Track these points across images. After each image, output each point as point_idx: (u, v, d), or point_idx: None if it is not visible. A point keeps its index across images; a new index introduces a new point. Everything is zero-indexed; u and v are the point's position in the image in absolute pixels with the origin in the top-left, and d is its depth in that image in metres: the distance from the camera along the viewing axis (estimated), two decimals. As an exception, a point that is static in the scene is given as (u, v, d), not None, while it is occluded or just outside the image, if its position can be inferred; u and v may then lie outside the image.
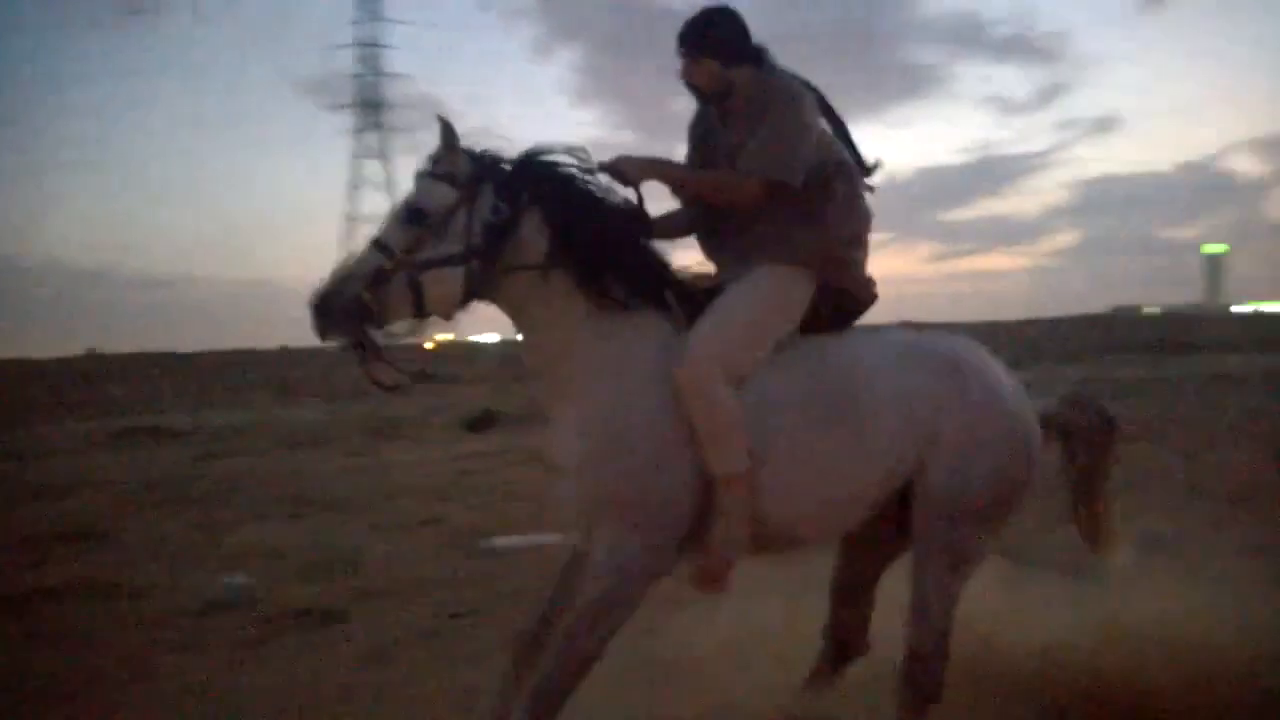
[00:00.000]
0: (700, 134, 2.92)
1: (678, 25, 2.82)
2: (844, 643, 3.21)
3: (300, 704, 3.81)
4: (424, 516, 7.41)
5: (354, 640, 4.55)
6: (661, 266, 2.75)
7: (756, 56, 2.80)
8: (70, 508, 8.55)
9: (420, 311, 2.53)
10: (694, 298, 2.73)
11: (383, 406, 20.42)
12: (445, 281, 2.51)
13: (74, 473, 11.11)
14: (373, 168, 79.89)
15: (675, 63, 2.83)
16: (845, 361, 2.78)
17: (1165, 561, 4.42)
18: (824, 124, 2.83)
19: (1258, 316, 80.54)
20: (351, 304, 2.43)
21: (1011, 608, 3.71)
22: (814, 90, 2.80)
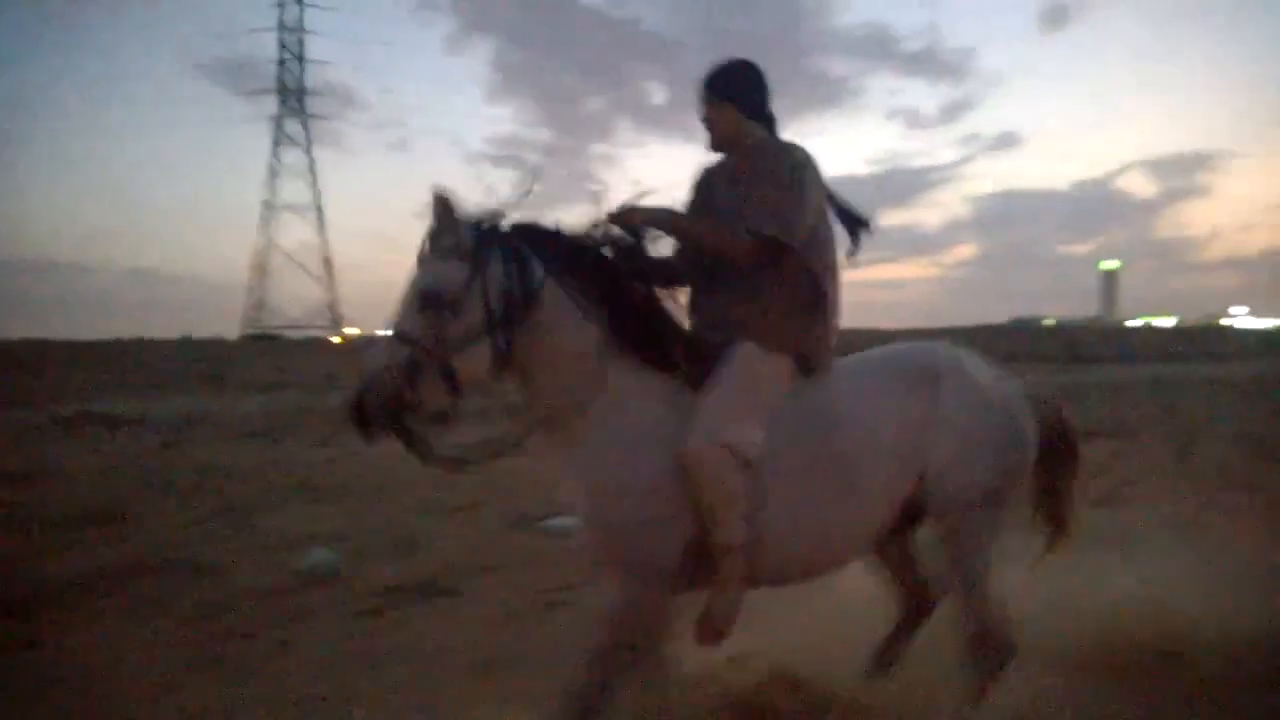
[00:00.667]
0: (706, 186, 2.98)
1: (707, 68, 2.93)
2: (913, 606, 3.33)
3: (443, 664, 3.90)
4: (458, 502, 7.44)
5: (474, 610, 4.64)
6: (675, 326, 2.81)
7: (770, 120, 2.92)
8: (68, 493, 8.26)
9: (455, 391, 2.51)
10: (699, 358, 2.77)
11: (321, 400, 20.20)
12: (475, 358, 2.52)
13: (44, 459, 10.68)
14: (294, 156, 77.67)
15: (698, 104, 2.93)
16: (831, 408, 2.84)
17: (1192, 541, 4.89)
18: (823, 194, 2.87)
19: (1149, 330, 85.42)
20: (389, 402, 2.42)
21: (1044, 584, 3.86)
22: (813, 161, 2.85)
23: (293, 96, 77.06)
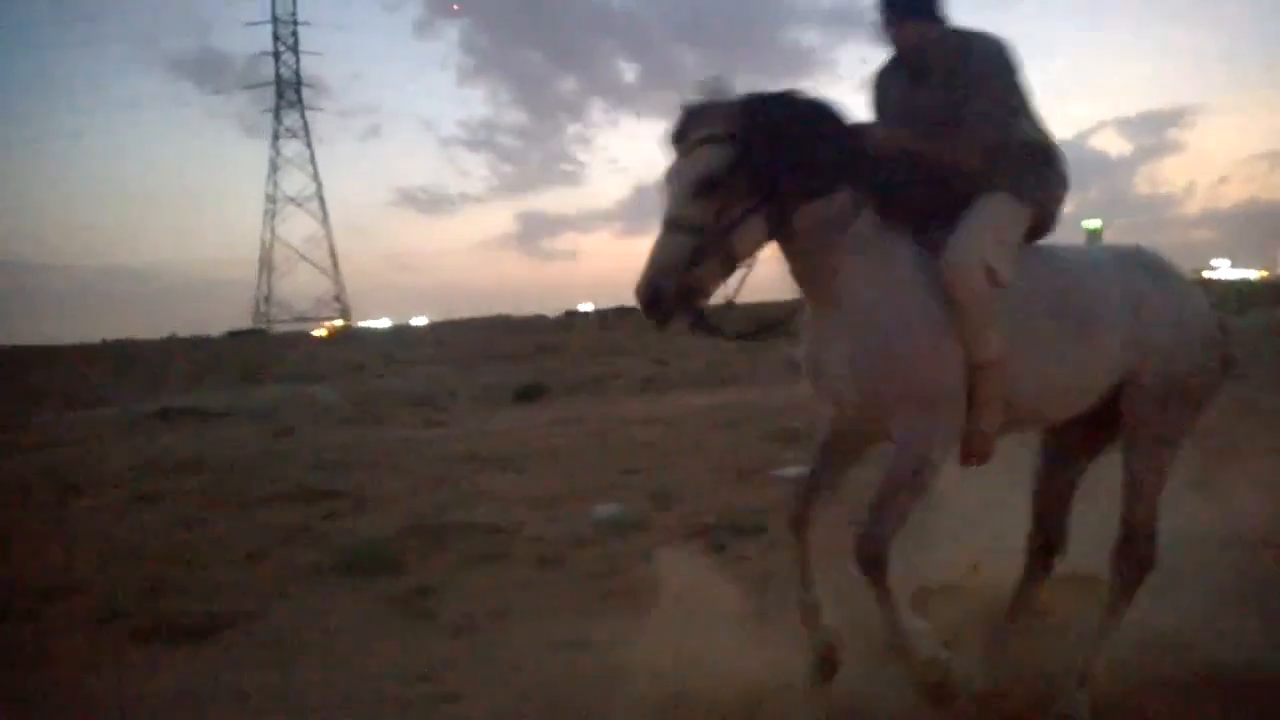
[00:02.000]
0: (895, 90, 3.15)
1: None
2: (1048, 544, 3.47)
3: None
4: (653, 463, 7.79)
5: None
6: (921, 186, 2.95)
7: (944, 14, 3.06)
8: (251, 476, 8.47)
9: (732, 270, 2.72)
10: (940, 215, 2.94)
11: (365, 384, 20.48)
12: (750, 234, 2.72)
13: (182, 449, 10.88)
14: (294, 148, 78.60)
15: (879, 25, 3.11)
16: (1075, 266, 3.10)
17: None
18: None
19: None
20: (682, 290, 2.61)
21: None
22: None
23: (290, 89, 77.42)
